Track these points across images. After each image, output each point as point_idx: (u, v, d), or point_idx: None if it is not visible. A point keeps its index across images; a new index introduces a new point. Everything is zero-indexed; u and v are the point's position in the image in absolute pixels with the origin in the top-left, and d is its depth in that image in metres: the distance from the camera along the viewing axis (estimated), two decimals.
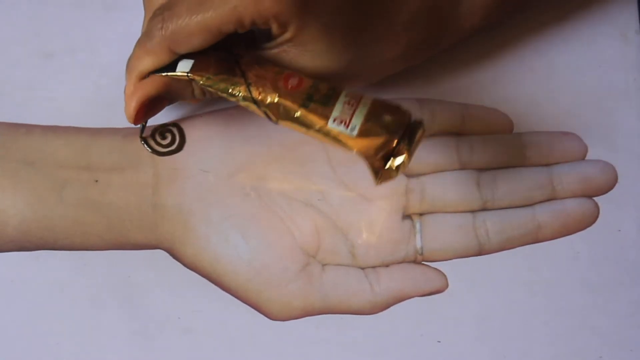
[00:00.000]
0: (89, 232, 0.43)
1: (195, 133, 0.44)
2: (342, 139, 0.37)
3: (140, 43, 0.39)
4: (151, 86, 0.39)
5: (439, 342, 0.43)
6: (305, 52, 0.38)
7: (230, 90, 0.38)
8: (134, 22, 0.44)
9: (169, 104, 0.41)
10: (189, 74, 0.38)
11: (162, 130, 0.44)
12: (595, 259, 0.44)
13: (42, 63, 0.46)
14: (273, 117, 0.38)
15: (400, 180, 0.44)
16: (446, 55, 0.45)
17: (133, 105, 0.39)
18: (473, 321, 0.43)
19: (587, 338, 0.43)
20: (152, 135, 0.44)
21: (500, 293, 0.43)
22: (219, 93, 0.38)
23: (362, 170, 0.44)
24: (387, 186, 0.44)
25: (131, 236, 0.43)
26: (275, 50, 0.38)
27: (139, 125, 0.43)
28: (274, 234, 0.43)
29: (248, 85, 0.38)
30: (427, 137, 0.45)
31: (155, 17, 0.38)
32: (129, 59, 0.39)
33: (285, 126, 0.38)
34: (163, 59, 0.38)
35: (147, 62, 0.38)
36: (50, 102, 0.45)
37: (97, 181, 0.43)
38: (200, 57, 0.38)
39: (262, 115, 0.38)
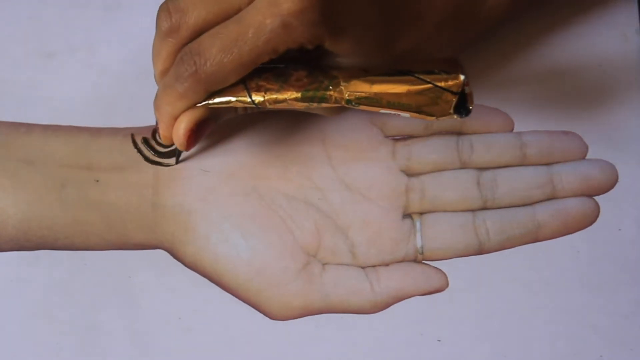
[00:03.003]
0: (89, 232, 0.43)
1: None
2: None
3: (168, 87, 0.38)
4: (194, 113, 0.39)
5: (439, 341, 0.43)
6: (341, 62, 0.39)
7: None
8: (135, 21, 0.44)
9: (215, 124, 0.41)
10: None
11: None
12: (596, 258, 0.44)
13: (42, 63, 0.46)
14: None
15: (400, 179, 0.44)
16: None
17: (182, 132, 0.39)
18: (473, 320, 0.43)
19: (587, 337, 0.43)
20: (152, 136, 0.44)
21: (500, 292, 0.43)
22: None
23: (362, 169, 0.44)
24: (387, 185, 0.44)
25: (131, 236, 0.43)
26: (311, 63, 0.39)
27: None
28: (274, 234, 0.43)
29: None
30: (427, 137, 0.45)
31: (185, 62, 0.37)
32: (157, 103, 0.39)
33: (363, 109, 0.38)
34: (197, 100, 0.38)
35: (180, 106, 0.38)
36: (50, 101, 0.45)
37: (97, 181, 0.43)
38: None
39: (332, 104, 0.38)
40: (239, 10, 0.37)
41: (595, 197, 0.44)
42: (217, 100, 0.38)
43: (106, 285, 0.43)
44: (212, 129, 0.40)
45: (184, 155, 0.44)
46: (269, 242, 0.43)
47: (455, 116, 0.37)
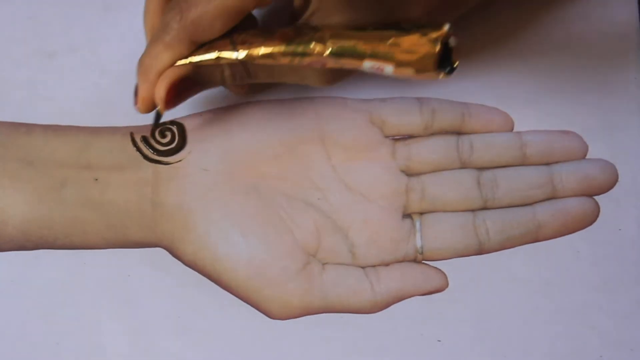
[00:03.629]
0: (88, 231, 0.43)
1: (195, 131, 0.44)
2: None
3: (156, 39, 0.38)
4: (180, 69, 0.38)
5: (439, 341, 0.43)
6: (328, 20, 0.38)
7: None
8: (135, 21, 0.44)
9: (200, 90, 0.40)
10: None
11: (161, 128, 0.44)
12: (596, 258, 0.44)
13: (42, 62, 0.46)
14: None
15: (400, 179, 0.44)
16: None
17: (163, 87, 0.38)
18: (473, 320, 0.43)
19: (587, 337, 0.43)
20: (152, 135, 0.44)
21: (500, 292, 0.43)
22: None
23: (362, 169, 0.44)
24: (387, 185, 0.44)
25: (131, 235, 0.43)
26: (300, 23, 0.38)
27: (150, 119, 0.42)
28: (273, 233, 0.43)
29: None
30: (427, 136, 0.45)
31: (171, 10, 0.37)
32: (143, 59, 0.39)
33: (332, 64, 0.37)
34: (183, 51, 0.38)
35: (167, 57, 0.38)
36: (50, 101, 0.45)
37: (96, 180, 0.43)
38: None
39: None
40: None
41: (596, 197, 0.44)
42: (202, 57, 0.38)
43: (105, 284, 0.43)
44: (195, 92, 0.40)
45: (184, 153, 0.44)
46: (268, 242, 0.43)
47: (441, 75, 0.36)
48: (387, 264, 0.43)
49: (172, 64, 0.38)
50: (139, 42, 0.42)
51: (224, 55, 0.38)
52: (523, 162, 0.45)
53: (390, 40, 0.36)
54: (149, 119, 0.42)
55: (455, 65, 0.36)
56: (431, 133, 0.45)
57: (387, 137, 0.45)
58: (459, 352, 0.43)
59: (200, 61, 0.38)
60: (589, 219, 0.44)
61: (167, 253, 0.43)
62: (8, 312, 0.42)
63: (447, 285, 0.43)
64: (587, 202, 0.44)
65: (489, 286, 0.43)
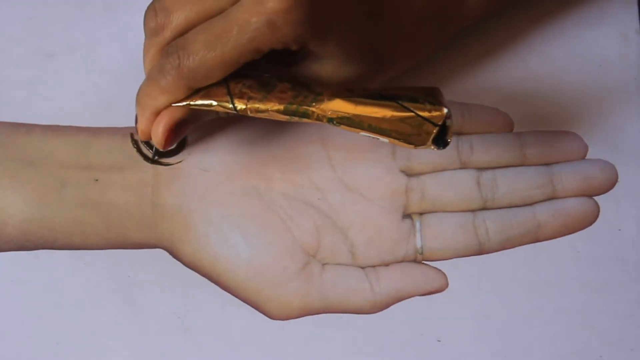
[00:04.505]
0: (88, 232, 0.43)
1: (195, 132, 0.44)
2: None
3: (152, 81, 0.38)
4: (175, 112, 0.39)
5: (439, 341, 0.43)
6: (324, 66, 0.39)
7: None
8: (135, 21, 0.44)
9: (195, 124, 0.41)
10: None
11: None
12: (596, 258, 0.44)
13: (42, 63, 0.46)
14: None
15: (400, 180, 0.44)
16: (446, 55, 0.45)
17: (160, 130, 0.39)
18: (473, 320, 0.43)
19: (587, 337, 0.43)
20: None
21: (500, 292, 0.43)
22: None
23: (362, 170, 0.44)
24: (387, 185, 0.44)
25: (131, 235, 0.43)
26: (295, 68, 0.39)
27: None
28: (273, 233, 0.43)
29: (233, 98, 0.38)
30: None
31: (169, 55, 0.37)
32: (140, 96, 0.39)
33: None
34: (179, 95, 0.38)
35: (162, 100, 0.38)
36: (50, 101, 0.45)
37: (96, 180, 0.43)
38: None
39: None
40: (223, 10, 0.37)
41: (595, 197, 0.44)
42: (199, 102, 0.38)
43: (106, 285, 0.43)
44: (191, 130, 0.40)
45: (184, 154, 0.44)
46: (268, 242, 0.43)
47: (433, 147, 0.37)
48: (387, 264, 0.43)
49: (169, 105, 0.39)
50: (138, 42, 0.42)
51: (220, 104, 0.38)
52: (523, 163, 0.45)
53: (389, 117, 0.37)
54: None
55: (449, 142, 0.37)
56: None
57: None
58: (459, 352, 0.43)
59: (197, 105, 0.38)
60: (589, 219, 0.44)
61: (167, 253, 0.43)
62: (8, 312, 0.42)
63: (447, 285, 0.43)
64: (587, 202, 0.44)
65: (489, 286, 0.43)
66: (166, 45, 0.38)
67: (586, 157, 0.45)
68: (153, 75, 0.38)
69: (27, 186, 0.43)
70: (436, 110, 0.37)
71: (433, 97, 0.37)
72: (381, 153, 0.45)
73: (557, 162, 0.45)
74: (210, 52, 0.36)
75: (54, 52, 0.46)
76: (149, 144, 0.44)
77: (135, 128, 0.40)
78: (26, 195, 0.43)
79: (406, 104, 0.37)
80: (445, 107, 0.37)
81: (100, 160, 0.44)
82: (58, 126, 0.44)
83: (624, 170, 0.45)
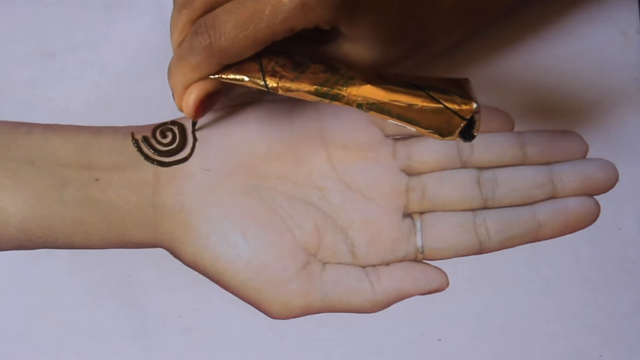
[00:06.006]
0: (89, 231, 0.43)
1: (196, 132, 0.44)
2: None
3: (182, 59, 0.39)
4: (207, 84, 0.39)
5: (440, 340, 0.43)
6: (356, 47, 0.39)
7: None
8: (135, 21, 0.44)
9: (225, 96, 0.41)
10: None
11: (162, 129, 0.44)
12: (596, 257, 0.44)
13: (42, 62, 0.46)
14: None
15: (400, 179, 0.44)
16: (447, 55, 0.45)
17: (192, 101, 0.39)
18: (473, 320, 0.43)
19: (587, 337, 0.43)
20: (152, 135, 0.44)
21: (500, 292, 0.43)
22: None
23: (363, 169, 0.44)
24: (388, 185, 0.44)
25: (131, 235, 0.43)
26: (325, 48, 0.39)
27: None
28: (274, 233, 0.43)
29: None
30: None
31: (199, 34, 0.37)
32: (172, 73, 0.39)
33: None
34: (210, 72, 0.39)
35: (194, 77, 0.39)
36: (50, 101, 0.45)
37: (97, 180, 0.43)
38: None
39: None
40: None
41: (596, 197, 0.44)
42: (231, 76, 0.38)
43: (106, 284, 0.43)
44: (223, 102, 0.41)
45: (184, 153, 0.44)
46: (269, 242, 0.43)
47: (459, 139, 0.38)
48: (387, 264, 0.43)
49: (199, 80, 0.39)
50: (139, 41, 0.42)
51: (252, 80, 0.38)
52: (523, 162, 0.45)
53: (419, 107, 0.37)
54: (149, 119, 0.42)
55: (475, 135, 0.38)
56: None
57: (387, 136, 0.45)
58: (459, 351, 0.43)
59: (229, 79, 0.39)
60: (589, 218, 0.44)
61: (167, 253, 0.43)
62: (8, 312, 0.42)
63: (447, 284, 0.43)
64: (587, 202, 0.44)
65: (489, 285, 0.43)
66: (195, 17, 0.38)
67: (586, 157, 0.45)
68: (183, 54, 0.38)
69: (27, 186, 0.43)
70: (465, 104, 0.37)
71: (463, 90, 0.38)
72: (381, 152, 0.45)
73: (558, 162, 0.45)
74: (242, 32, 0.37)
75: (54, 52, 0.46)
76: (149, 143, 0.44)
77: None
78: (26, 195, 0.43)
79: (436, 95, 0.37)
80: (475, 101, 0.37)
81: (100, 160, 0.44)
82: (58, 126, 0.44)
83: (624, 170, 0.45)
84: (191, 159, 0.44)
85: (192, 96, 0.39)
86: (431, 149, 0.44)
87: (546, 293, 0.43)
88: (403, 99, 0.37)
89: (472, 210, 0.44)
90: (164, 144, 0.44)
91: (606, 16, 0.47)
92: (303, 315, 0.43)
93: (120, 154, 0.44)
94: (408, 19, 0.40)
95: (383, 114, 0.38)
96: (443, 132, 0.37)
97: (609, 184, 0.45)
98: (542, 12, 0.47)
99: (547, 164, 0.45)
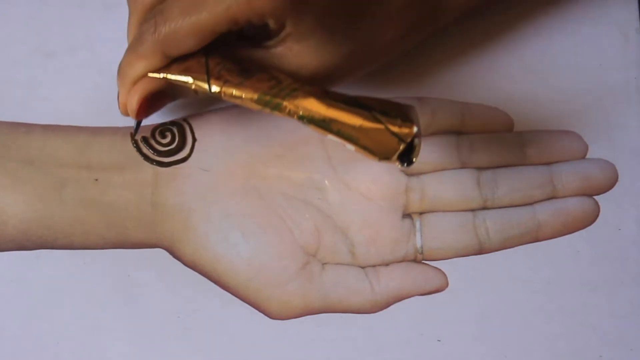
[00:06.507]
0: (88, 231, 0.43)
1: (195, 132, 0.44)
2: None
3: (131, 48, 0.39)
4: (152, 83, 0.39)
5: (439, 341, 0.43)
6: (304, 48, 0.38)
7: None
8: None
9: (171, 101, 0.41)
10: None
11: (162, 129, 0.44)
12: (596, 257, 0.44)
13: (42, 62, 0.46)
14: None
15: (400, 179, 0.44)
16: (447, 55, 0.45)
17: (135, 98, 0.39)
18: (473, 320, 0.43)
19: (587, 337, 0.43)
20: (152, 135, 0.44)
21: (500, 292, 0.43)
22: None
23: (362, 169, 0.44)
24: (387, 185, 0.44)
25: (131, 235, 0.43)
26: (274, 50, 0.39)
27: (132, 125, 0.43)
28: (273, 233, 0.43)
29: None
30: (427, 136, 0.45)
31: (147, 21, 0.38)
32: (120, 65, 0.39)
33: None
34: (156, 63, 0.38)
35: (140, 67, 0.38)
36: (50, 101, 0.45)
37: (96, 180, 0.43)
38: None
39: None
40: None
41: (595, 197, 0.44)
42: (176, 76, 0.38)
43: (106, 284, 0.43)
44: (166, 105, 0.40)
45: (183, 153, 0.44)
46: (268, 242, 0.43)
47: (397, 164, 0.37)
48: (387, 264, 0.43)
49: (146, 74, 0.39)
50: None
51: (197, 82, 0.38)
52: (523, 162, 0.45)
53: (359, 125, 0.36)
54: (149, 119, 0.42)
55: (414, 161, 0.37)
56: (431, 133, 0.45)
57: None
58: (459, 351, 0.43)
59: (174, 80, 0.38)
60: (589, 218, 0.44)
61: (167, 253, 0.43)
62: (8, 312, 0.42)
63: (447, 285, 0.43)
64: (587, 202, 0.44)
65: (489, 286, 0.43)
66: (145, 14, 0.38)
67: (586, 157, 0.45)
68: (132, 43, 0.38)
69: (27, 186, 0.43)
70: (406, 127, 0.36)
71: (406, 114, 0.37)
72: None
73: (557, 162, 0.45)
74: (185, 18, 0.36)
75: (54, 52, 0.46)
76: (148, 143, 0.44)
77: (118, 104, 0.40)
78: (26, 195, 0.43)
79: (378, 116, 0.36)
80: (417, 125, 0.36)
81: (100, 160, 0.44)
82: (58, 126, 0.44)
83: (624, 170, 0.45)
84: (190, 159, 0.44)
85: (137, 93, 0.39)
86: (430, 149, 0.44)
87: (546, 293, 0.43)
88: (344, 115, 0.37)
89: (472, 210, 0.44)
90: (163, 144, 0.44)
91: (606, 16, 0.47)
92: (303, 316, 0.43)
93: (119, 154, 0.44)
94: (356, 16, 0.39)
95: (323, 128, 0.37)
96: (381, 154, 0.36)
97: (609, 184, 0.45)
98: (541, 11, 0.47)
99: (547, 164, 0.45)
